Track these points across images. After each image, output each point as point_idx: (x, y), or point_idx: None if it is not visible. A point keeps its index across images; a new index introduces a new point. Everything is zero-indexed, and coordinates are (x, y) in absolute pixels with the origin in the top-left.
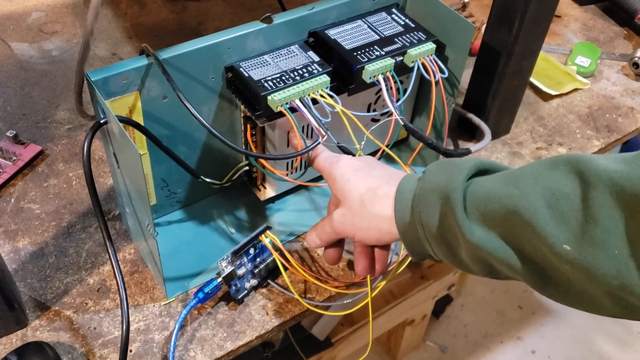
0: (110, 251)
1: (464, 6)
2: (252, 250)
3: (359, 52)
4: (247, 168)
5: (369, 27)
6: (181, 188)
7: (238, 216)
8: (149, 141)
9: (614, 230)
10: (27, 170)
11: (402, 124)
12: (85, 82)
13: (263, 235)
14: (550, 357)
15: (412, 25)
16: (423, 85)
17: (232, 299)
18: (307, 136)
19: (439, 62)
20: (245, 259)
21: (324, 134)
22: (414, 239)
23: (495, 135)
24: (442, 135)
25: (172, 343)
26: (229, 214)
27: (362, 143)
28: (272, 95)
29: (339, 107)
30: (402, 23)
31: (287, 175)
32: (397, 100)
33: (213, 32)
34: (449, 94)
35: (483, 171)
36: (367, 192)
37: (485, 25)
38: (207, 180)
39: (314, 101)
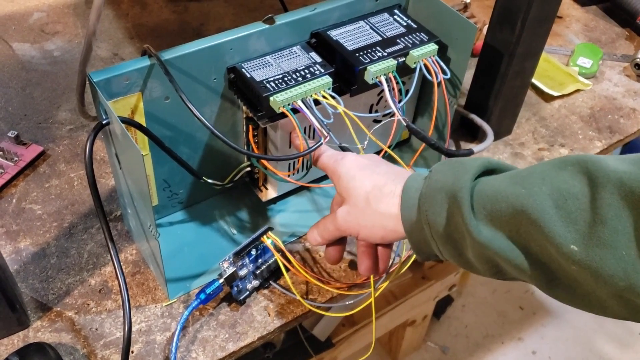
0: (112, 252)
1: (466, 7)
2: (253, 251)
3: (361, 53)
4: (248, 169)
5: (371, 28)
6: (183, 189)
7: (240, 217)
8: (151, 142)
9: (622, 231)
10: (28, 171)
11: (405, 124)
12: (88, 82)
13: (265, 236)
14: (551, 357)
15: (414, 26)
16: (425, 86)
17: (233, 300)
18: (309, 137)
19: (441, 63)
20: (247, 260)
21: (326, 135)
22: (420, 238)
23: (497, 136)
24: (445, 136)
25: (174, 344)
26: (231, 215)
27: (365, 143)
28: (274, 96)
29: (341, 108)
30: (404, 24)
31: (288, 176)
32: (399, 101)
33: (214, 32)
34: (451, 94)
35: (490, 171)
36: (372, 189)
37: (487, 26)
38: (209, 181)
39: (316, 102)
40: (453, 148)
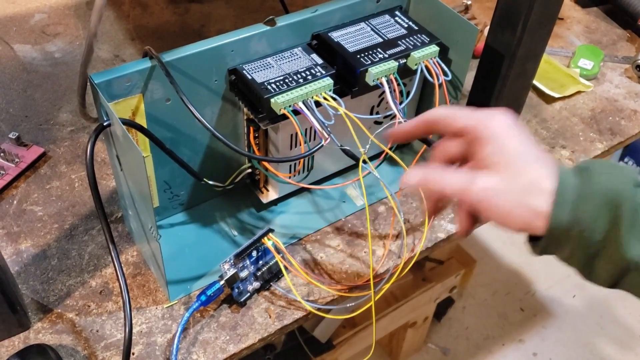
0: (112, 254)
1: (467, 8)
2: (254, 253)
3: (362, 55)
4: (249, 170)
5: (372, 29)
6: (184, 190)
7: (241, 219)
8: (152, 144)
9: None
10: (29, 172)
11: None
12: (89, 84)
13: (266, 238)
14: (552, 359)
15: (416, 28)
16: (426, 88)
17: (234, 302)
18: (310, 139)
19: (442, 65)
20: (247, 262)
21: (326, 136)
22: (559, 239)
23: None
24: None
25: (175, 346)
26: (232, 217)
27: (367, 147)
28: (275, 97)
29: (342, 110)
30: (406, 26)
31: (289, 177)
32: (400, 103)
33: (215, 34)
34: (452, 96)
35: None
36: (534, 179)
37: (488, 28)
38: (210, 182)
39: (317, 104)
40: None
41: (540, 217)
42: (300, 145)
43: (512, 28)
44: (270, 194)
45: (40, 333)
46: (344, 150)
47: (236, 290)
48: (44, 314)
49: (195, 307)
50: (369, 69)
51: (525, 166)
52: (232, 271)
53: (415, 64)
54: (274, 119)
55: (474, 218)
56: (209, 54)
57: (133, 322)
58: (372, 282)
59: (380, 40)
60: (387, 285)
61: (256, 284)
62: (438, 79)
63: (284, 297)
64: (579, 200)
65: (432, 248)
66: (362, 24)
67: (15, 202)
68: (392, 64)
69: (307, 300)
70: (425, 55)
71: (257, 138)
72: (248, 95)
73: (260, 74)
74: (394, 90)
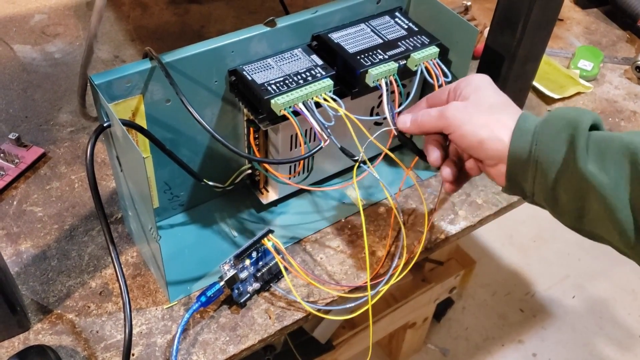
0: (112, 254)
1: (467, 10)
2: (254, 254)
3: (363, 56)
4: (249, 171)
5: (372, 30)
6: (184, 191)
7: (240, 219)
8: (152, 144)
9: None
10: (29, 173)
11: (396, 133)
12: (89, 85)
13: (265, 239)
14: None
15: (416, 29)
16: (426, 89)
17: (234, 303)
18: (310, 139)
19: (442, 66)
20: (247, 263)
21: (326, 138)
22: (519, 162)
23: None
24: None
25: (175, 347)
26: (232, 217)
27: (363, 148)
28: (276, 98)
29: (342, 111)
30: (406, 27)
31: (289, 178)
32: (400, 105)
33: (215, 35)
34: None
35: (598, 126)
36: (498, 102)
37: (488, 29)
38: (210, 183)
39: (317, 105)
40: None
41: (507, 128)
42: (300, 146)
43: (512, 29)
44: (270, 195)
45: (40, 334)
46: (343, 151)
47: (236, 291)
48: (43, 314)
49: (195, 308)
50: (369, 70)
51: (492, 94)
52: (232, 272)
53: (415, 65)
54: (274, 120)
55: (457, 164)
56: (209, 54)
57: (133, 323)
58: (369, 284)
59: (380, 41)
60: (387, 287)
61: (256, 285)
62: (438, 80)
63: (284, 298)
64: (540, 125)
65: (431, 249)
66: (362, 25)
67: (15, 202)
68: (392, 65)
69: (307, 301)
70: (425, 57)
71: (257, 139)
72: (248, 96)
73: (260, 74)
74: (393, 92)
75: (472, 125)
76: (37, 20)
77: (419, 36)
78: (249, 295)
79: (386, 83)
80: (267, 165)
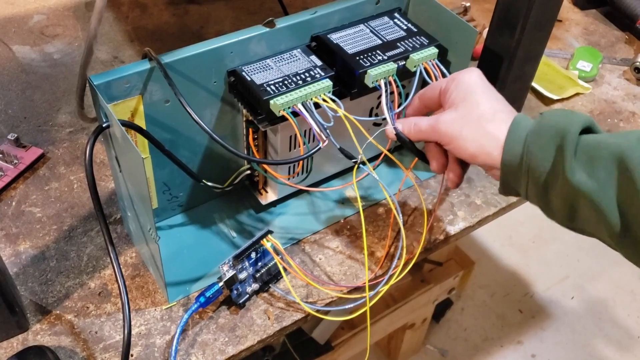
0: (111, 255)
1: (466, 10)
2: (253, 255)
3: (362, 57)
4: (248, 172)
5: (371, 31)
6: (183, 192)
7: (239, 220)
8: (151, 145)
9: None
10: (28, 174)
11: (395, 133)
12: (88, 85)
13: (265, 239)
14: None
15: (415, 30)
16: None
17: (233, 303)
18: (309, 140)
19: (442, 67)
20: (246, 263)
21: (325, 138)
22: (512, 170)
23: None
24: None
25: (174, 347)
26: (231, 218)
27: (362, 149)
28: (275, 99)
29: (341, 112)
30: (405, 27)
31: (288, 179)
32: (399, 105)
33: (214, 35)
34: None
35: (590, 128)
36: (488, 110)
37: (487, 30)
38: (209, 184)
39: (317, 105)
40: None
41: (496, 141)
42: (299, 147)
43: (511, 30)
44: (269, 196)
45: (39, 334)
46: (342, 152)
47: (235, 291)
48: (42, 315)
49: (194, 308)
50: (368, 70)
51: (481, 99)
52: (231, 273)
53: (414, 66)
54: (273, 120)
55: (459, 162)
56: (208, 55)
57: (132, 323)
58: (367, 284)
59: (379, 42)
60: (386, 287)
61: (255, 286)
62: (437, 81)
63: (283, 299)
64: (530, 135)
65: (430, 249)
66: (361, 26)
67: (14, 203)
68: (391, 66)
69: (306, 302)
70: (424, 57)
71: (256, 140)
72: (247, 96)
73: (259, 75)
74: (392, 92)
75: (463, 140)
76: (36, 20)
77: (418, 37)
78: (248, 296)
79: (385, 84)
80: (266, 166)
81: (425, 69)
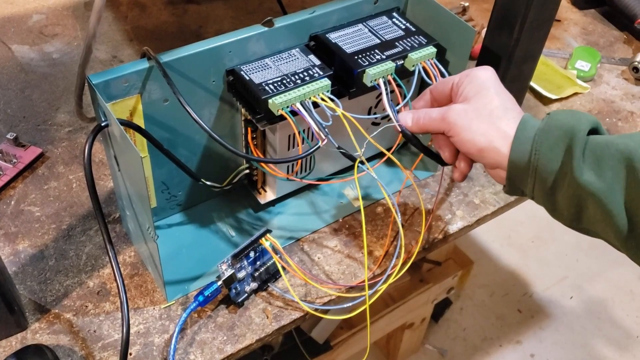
0: (110, 254)
1: (464, 10)
2: (252, 254)
3: (360, 56)
4: (247, 171)
5: (369, 30)
6: (182, 191)
7: (238, 219)
8: (150, 144)
9: None
10: (27, 173)
11: (400, 130)
12: (86, 85)
13: (263, 239)
14: None
15: (413, 29)
16: (424, 89)
17: (232, 302)
18: (309, 139)
19: (440, 66)
20: (245, 262)
21: (323, 137)
22: (519, 168)
23: None
24: None
25: (172, 346)
26: (229, 217)
27: (363, 149)
28: (273, 98)
29: (339, 111)
30: (403, 27)
31: (286, 180)
32: (400, 102)
33: (213, 35)
34: None
35: (596, 129)
36: (499, 106)
37: (485, 29)
38: (208, 183)
39: (315, 105)
40: None
41: (505, 138)
42: (298, 146)
43: (510, 30)
44: (268, 195)
45: (38, 333)
46: (341, 151)
47: (234, 290)
48: (41, 314)
49: (193, 307)
50: (367, 70)
51: (494, 96)
52: (229, 272)
53: (413, 65)
54: (272, 119)
55: (464, 156)
56: (207, 54)
57: (130, 322)
58: (366, 283)
59: (378, 41)
60: (385, 286)
61: (254, 285)
62: (435, 80)
63: (282, 298)
64: (539, 134)
65: (429, 249)
66: (360, 25)
67: (12, 202)
68: (390, 65)
69: (305, 301)
70: (422, 57)
71: (255, 139)
72: (246, 96)
73: (258, 74)
74: (393, 91)
75: (472, 132)
76: (36, 20)
77: (416, 36)
78: (246, 294)
79: (384, 83)
80: (264, 165)
81: (423, 68)
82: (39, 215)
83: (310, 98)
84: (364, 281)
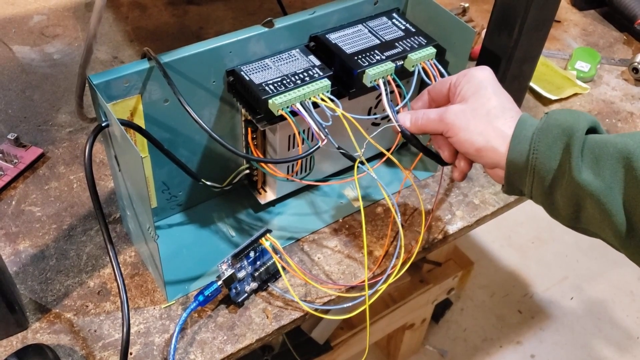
0: (111, 254)
1: (464, 11)
2: (252, 254)
3: (360, 57)
4: (247, 171)
5: (369, 31)
6: (182, 191)
7: (238, 219)
8: (150, 144)
9: None
10: (28, 173)
11: (399, 130)
12: (87, 85)
13: (263, 239)
14: None
15: (413, 30)
16: (423, 89)
17: (232, 302)
18: (308, 140)
19: (440, 67)
20: (245, 262)
21: (323, 138)
22: (517, 168)
23: None
24: None
25: (172, 346)
26: (230, 217)
27: (363, 149)
28: (273, 99)
29: (339, 111)
30: (403, 27)
31: (286, 180)
32: (400, 103)
33: (214, 36)
34: None
35: (595, 128)
36: (497, 106)
37: (485, 30)
38: (208, 183)
39: (315, 105)
40: None
41: (503, 137)
42: (298, 146)
43: (509, 30)
44: (268, 195)
45: (38, 333)
46: (341, 151)
47: (234, 290)
48: (42, 314)
49: (193, 307)
50: (366, 70)
51: (491, 96)
52: (229, 271)
53: (412, 66)
54: (272, 120)
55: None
56: (207, 55)
57: (131, 322)
58: (366, 283)
59: (378, 42)
60: (384, 286)
61: (254, 285)
62: (435, 81)
63: (282, 298)
64: (537, 133)
65: (429, 249)
66: (360, 26)
67: (13, 202)
68: (389, 66)
69: (305, 301)
70: (422, 57)
71: (255, 139)
72: (246, 96)
73: (258, 75)
74: (392, 91)
75: (470, 132)
76: (37, 21)
77: (416, 37)
78: (246, 294)
79: (384, 83)
80: (264, 165)
81: (423, 68)
82: (39, 215)
83: (310, 98)
84: (363, 281)
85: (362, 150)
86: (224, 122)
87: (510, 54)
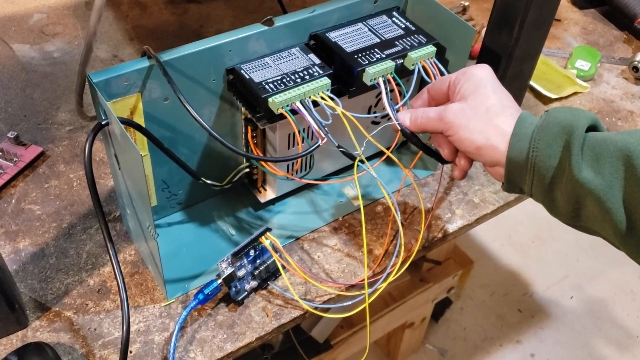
0: (110, 252)
1: (464, 9)
2: (252, 252)
3: (360, 55)
4: (247, 170)
5: (369, 30)
6: (182, 190)
7: (238, 218)
8: (150, 143)
9: None
10: (28, 172)
11: (400, 128)
12: (87, 83)
13: (263, 237)
14: None
15: (413, 29)
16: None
17: (232, 301)
18: (308, 138)
19: (440, 65)
20: (245, 261)
21: (323, 136)
22: (517, 166)
23: None
24: None
25: (172, 344)
26: (229, 216)
27: (363, 148)
28: (273, 97)
29: (339, 109)
30: (403, 26)
31: (286, 179)
32: (400, 101)
33: (214, 34)
34: None
35: (595, 126)
36: (496, 104)
37: (485, 29)
38: (208, 182)
39: (315, 103)
40: None
41: (503, 135)
42: (297, 144)
43: (509, 29)
44: (268, 194)
45: (38, 331)
46: (341, 150)
47: (234, 289)
48: (42, 312)
49: (193, 305)
50: (366, 69)
51: (491, 94)
52: (229, 270)
53: (412, 64)
54: (272, 118)
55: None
56: (207, 53)
57: (131, 320)
58: (366, 281)
59: (378, 40)
60: (384, 285)
61: (253, 283)
62: (435, 79)
63: (281, 296)
64: (537, 131)
65: (429, 247)
66: (360, 25)
67: (13, 201)
68: (389, 64)
69: (304, 299)
70: (422, 56)
71: (255, 137)
72: (246, 94)
73: (258, 73)
74: (392, 90)
75: (469, 131)
76: (36, 19)
77: (416, 35)
78: (246, 293)
79: (384, 82)
80: (264, 164)
81: (423, 67)
82: (39, 213)
83: (310, 97)
84: (363, 279)
85: (362, 149)
86: (223, 120)
87: (510, 52)
